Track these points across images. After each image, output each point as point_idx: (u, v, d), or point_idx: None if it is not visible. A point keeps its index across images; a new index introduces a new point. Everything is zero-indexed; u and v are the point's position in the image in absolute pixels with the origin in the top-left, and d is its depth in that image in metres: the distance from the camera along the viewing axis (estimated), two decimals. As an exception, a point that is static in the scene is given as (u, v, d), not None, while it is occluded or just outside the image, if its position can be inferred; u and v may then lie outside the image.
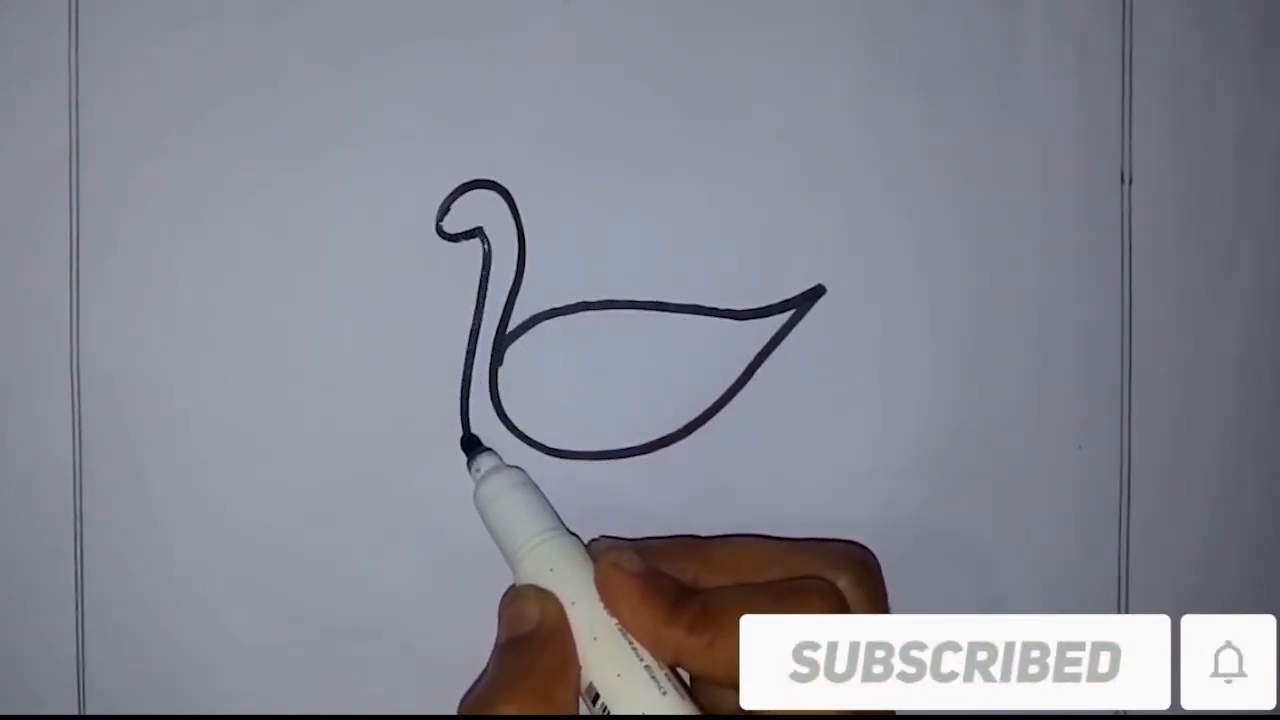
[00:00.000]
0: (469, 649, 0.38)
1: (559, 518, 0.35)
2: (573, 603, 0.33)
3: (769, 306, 0.37)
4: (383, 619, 0.38)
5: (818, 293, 0.37)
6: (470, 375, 0.37)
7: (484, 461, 0.36)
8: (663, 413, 0.37)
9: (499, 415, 0.37)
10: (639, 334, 0.37)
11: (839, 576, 0.32)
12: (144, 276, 0.37)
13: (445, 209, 0.37)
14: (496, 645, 0.34)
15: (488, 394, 0.37)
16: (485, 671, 0.33)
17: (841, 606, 0.32)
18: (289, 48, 0.37)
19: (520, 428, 0.37)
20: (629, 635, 0.32)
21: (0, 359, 0.37)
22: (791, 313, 0.37)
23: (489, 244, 0.37)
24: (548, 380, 0.38)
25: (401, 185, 0.37)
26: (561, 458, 0.37)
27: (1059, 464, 0.38)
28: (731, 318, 0.37)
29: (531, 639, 0.33)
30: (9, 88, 0.37)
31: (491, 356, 0.37)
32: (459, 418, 0.37)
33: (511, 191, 0.37)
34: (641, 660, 0.32)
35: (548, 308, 0.37)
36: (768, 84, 0.37)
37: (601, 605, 0.33)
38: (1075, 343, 0.38)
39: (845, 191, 0.37)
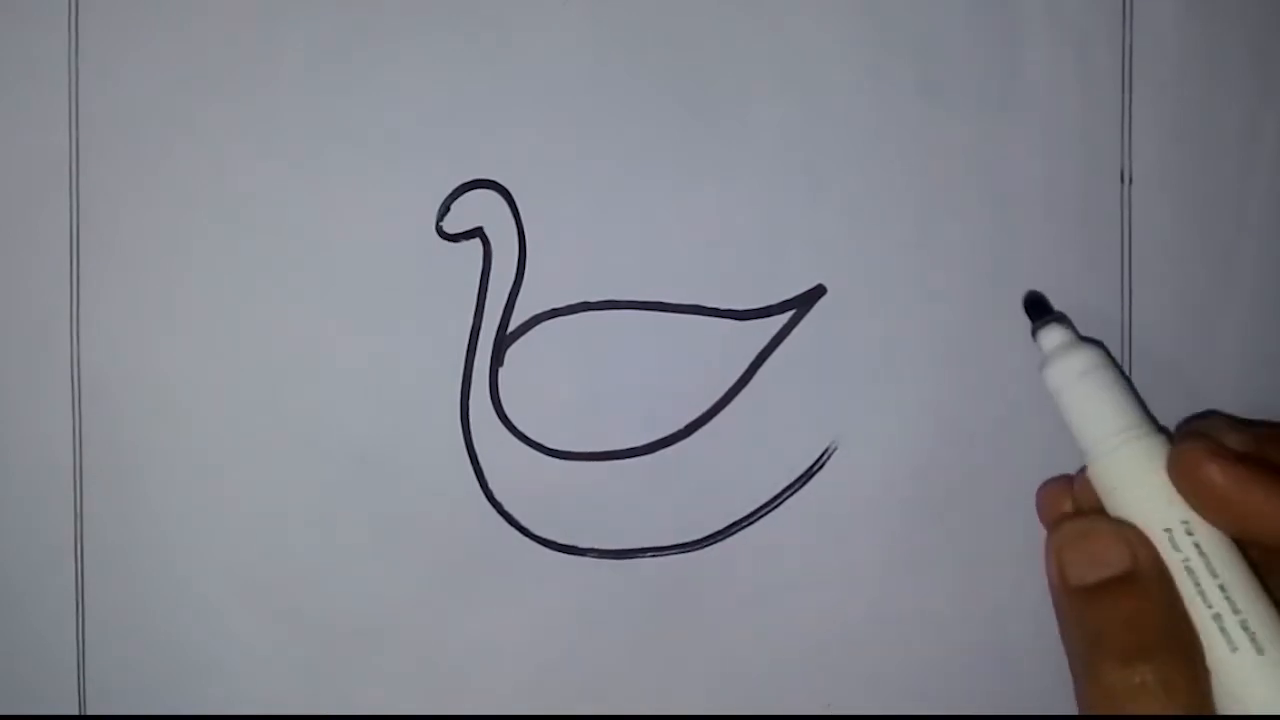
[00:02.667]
0: (469, 649, 0.38)
1: (1144, 408, 0.31)
2: (1169, 529, 0.29)
3: (769, 306, 0.37)
4: (383, 619, 0.38)
5: (818, 293, 0.37)
6: (470, 375, 0.37)
7: (1047, 337, 0.32)
8: (663, 413, 0.37)
9: (499, 415, 0.37)
10: (639, 334, 0.37)
11: None
12: (144, 276, 0.37)
13: (445, 209, 0.37)
14: (1069, 589, 0.30)
15: (488, 394, 0.37)
16: (1069, 629, 0.30)
17: None
18: (289, 48, 0.37)
19: (520, 428, 0.37)
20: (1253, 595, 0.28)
21: (0, 359, 0.37)
22: (791, 313, 0.37)
23: (489, 244, 0.37)
24: (548, 380, 0.38)
25: (401, 185, 0.37)
26: (561, 458, 0.37)
27: (1059, 464, 0.38)
28: (731, 318, 0.37)
29: (1138, 579, 0.29)
30: (9, 88, 0.37)
31: (491, 356, 0.37)
32: (459, 418, 0.37)
33: (511, 191, 0.37)
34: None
35: (548, 308, 0.37)
36: (768, 84, 0.37)
37: (1220, 543, 0.29)
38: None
39: (845, 191, 0.37)
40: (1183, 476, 0.29)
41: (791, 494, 0.37)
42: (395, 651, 0.38)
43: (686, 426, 0.37)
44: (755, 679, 0.38)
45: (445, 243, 0.37)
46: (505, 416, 0.37)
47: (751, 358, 0.37)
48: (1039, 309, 0.34)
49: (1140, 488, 0.30)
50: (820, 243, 0.37)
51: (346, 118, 0.37)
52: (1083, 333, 0.37)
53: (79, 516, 0.37)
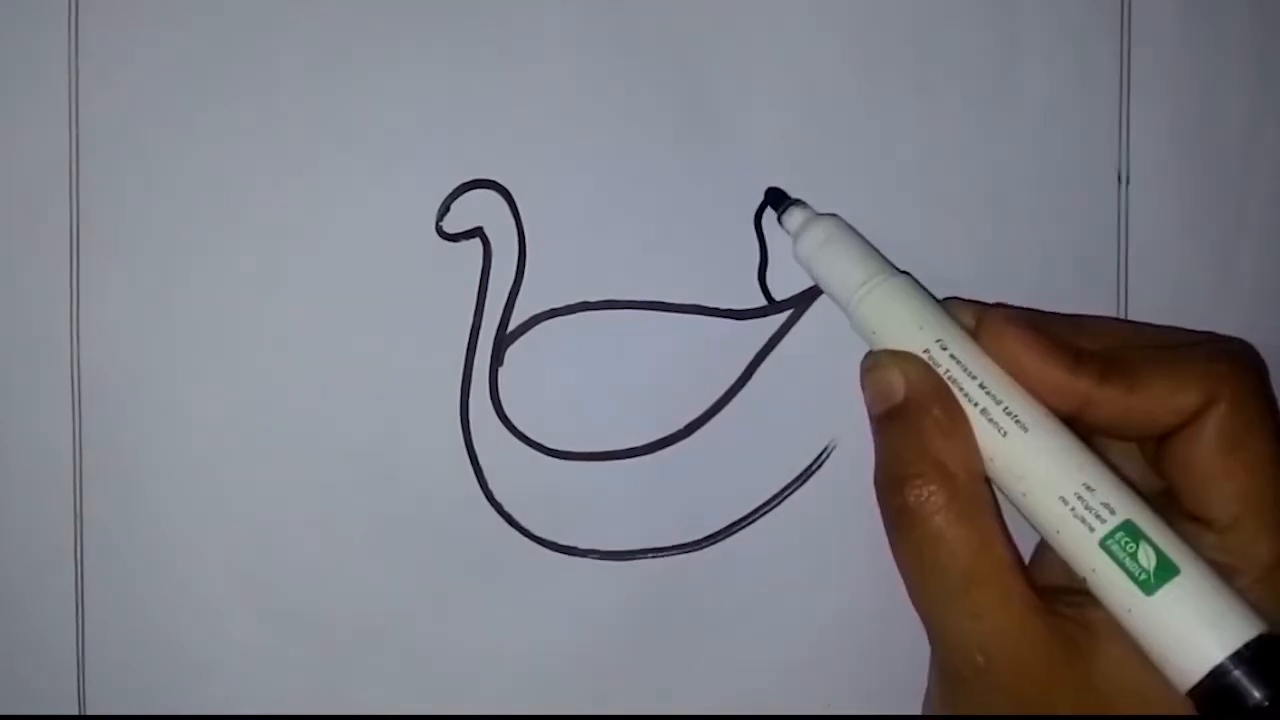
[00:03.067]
0: (469, 649, 0.38)
1: (884, 258, 0.34)
2: (926, 349, 0.32)
3: (769, 306, 0.37)
4: (383, 619, 0.38)
5: (817, 293, 0.37)
6: (470, 375, 0.37)
7: (791, 219, 0.35)
8: (663, 413, 0.37)
9: (499, 415, 0.37)
10: (639, 334, 0.37)
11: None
12: (144, 276, 0.37)
13: (445, 209, 0.37)
14: (871, 422, 0.33)
15: (488, 394, 0.37)
16: (876, 455, 0.33)
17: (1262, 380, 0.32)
18: (289, 48, 0.37)
19: (520, 428, 0.37)
20: (1008, 387, 0.31)
21: (0, 359, 0.37)
22: (790, 312, 0.37)
23: (489, 244, 0.37)
24: (548, 380, 0.38)
25: (401, 185, 0.37)
26: (561, 458, 0.37)
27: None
28: (731, 318, 0.37)
29: (906, 409, 0.32)
30: (9, 88, 0.37)
31: (491, 356, 0.37)
32: (459, 418, 0.37)
33: (511, 191, 0.37)
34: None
35: (548, 308, 0.37)
36: (767, 84, 0.37)
37: (972, 351, 0.32)
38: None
39: (844, 191, 0.37)
40: (989, 335, 0.32)
41: (791, 494, 0.37)
42: (395, 651, 0.38)
43: (686, 426, 0.37)
44: (755, 679, 0.38)
45: (445, 243, 0.37)
46: (505, 416, 0.37)
47: (751, 358, 0.37)
48: (779, 197, 0.36)
49: (894, 322, 0.33)
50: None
51: (346, 118, 0.37)
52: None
53: (79, 516, 0.37)
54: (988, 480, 0.32)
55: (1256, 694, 0.28)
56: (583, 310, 0.37)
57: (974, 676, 0.31)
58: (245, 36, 0.37)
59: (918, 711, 0.37)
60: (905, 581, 0.32)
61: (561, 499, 0.37)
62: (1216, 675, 0.28)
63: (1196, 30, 0.37)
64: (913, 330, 0.33)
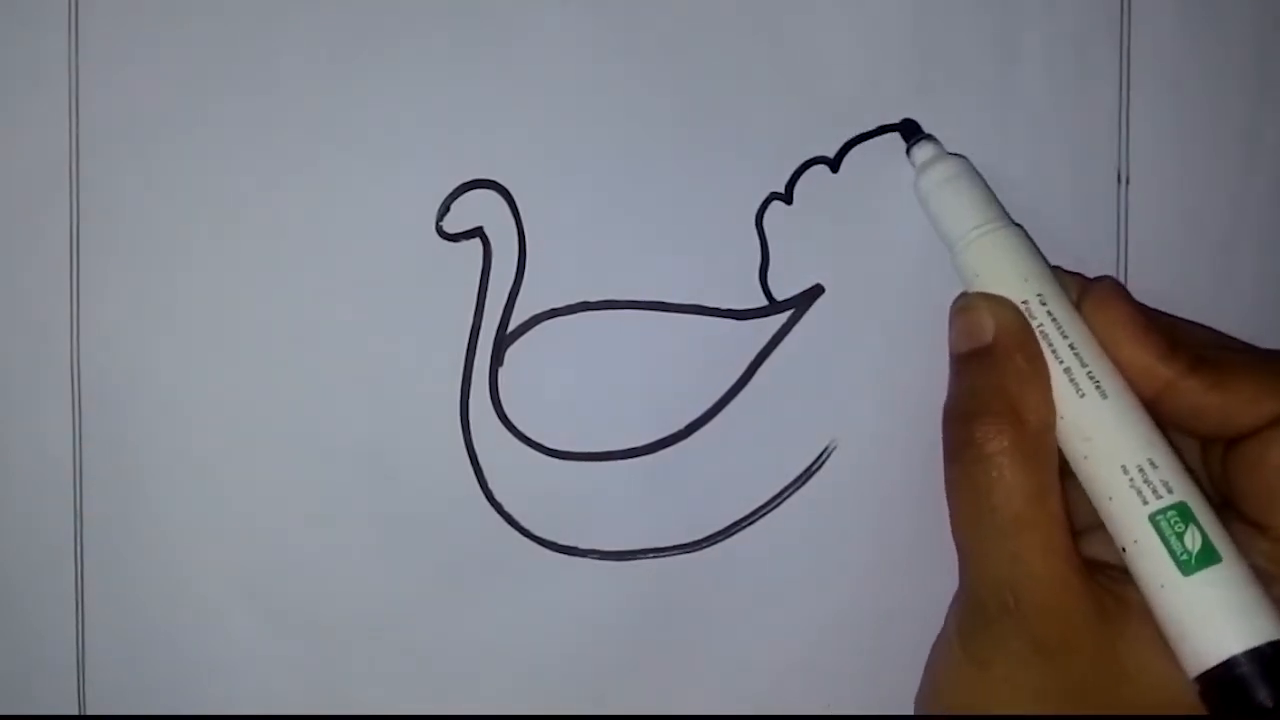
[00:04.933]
0: (469, 649, 0.38)
1: (1002, 207, 0.35)
2: (1025, 301, 0.33)
3: (768, 306, 0.37)
4: (383, 619, 0.38)
5: (817, 293, 0.37)
6: (470, 375, 0.37)
7: (920, 152, 0.36)
8: (663, 413, 0.37)
9: (499, 415, 0.37)
10: (639, 334, 0.37)
11: None
12: (144, 276, 0.37)
13: (445, 209, 0.37)
14: (951, 359, 0.34)
15: (488, 394, 0.37)
16: (950, 389, 0.34)
17: None
18: (289, 48, 0.37)
19: (520, 428, 0.37)
20: (1097, 353, 0.32)
21: (0, 359, 0.37)
22: (790, 312, 0.37)
23: (489, 244, 0.37)
24: (548, 380, 0.38)
25: (401, 185, 0.37)
26: (561, 458, 0.37)
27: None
28: (731, 318, 0.37)
29: (992, 350, 0.33)
30: (9, 88, 0.37)
31: (491, 356, 0.37)
32: (459, 418, 0.37)
33: (511, 191, 0.37)
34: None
35: (548, 308, 0.37)
36: (767, 84, 0.37)
37: (1070, 312, 0.33)
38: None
39: (844, 191, 0.37)
40: (1092, 303, 0.33)
41: (791, 494, 0.37)
42: (395, 651, 0.38)
43: (686, 426, 0.37)
44: (755, 679, 0.38)
45: (445, 243, 0.37)
46: (505, 416, 0.37)
47: (751, 358, 0.37)
48: (911, 130, 0.36)
49: (1000, 269, 0.33)
50: (820, 243, 0.38)
51: (346, 118, 0.37)
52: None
53: (79, 516, 0.37)
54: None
55: (1263, 693, 0.28)
56: (583, 310, 0.37)
57: (1000, 614, 0.31)
58: (245, 36, 0.37)
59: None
60: (952, 511, 0.33)
61: (561, 499, 0.37)
62: (1230, 665, 0.29)
63: (1196, 30, 0.37)
64: (1017, 280, 0.33)
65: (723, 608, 0.38)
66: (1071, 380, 0.32)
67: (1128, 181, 0.38)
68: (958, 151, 0.36)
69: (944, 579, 0.38)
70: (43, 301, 0.37)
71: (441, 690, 0.38)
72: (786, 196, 0.37)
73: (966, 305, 0.34)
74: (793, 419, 0.38)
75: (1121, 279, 0.38)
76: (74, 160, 0.37)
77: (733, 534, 0.37)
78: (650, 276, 0.37)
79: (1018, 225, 0.34)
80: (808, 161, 0.37)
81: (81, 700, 0.38)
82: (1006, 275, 0.33)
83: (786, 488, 0.37)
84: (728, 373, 0.37)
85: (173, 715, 0.38)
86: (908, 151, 0.36)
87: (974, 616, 0.33)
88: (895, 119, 0.37)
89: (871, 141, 0.37)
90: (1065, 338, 0.32)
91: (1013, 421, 0.32)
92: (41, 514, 0.37)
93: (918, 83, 0.37)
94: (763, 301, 0.37)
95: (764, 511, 0.37)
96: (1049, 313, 0.33)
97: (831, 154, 0.37)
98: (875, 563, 0.38)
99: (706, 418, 0.37)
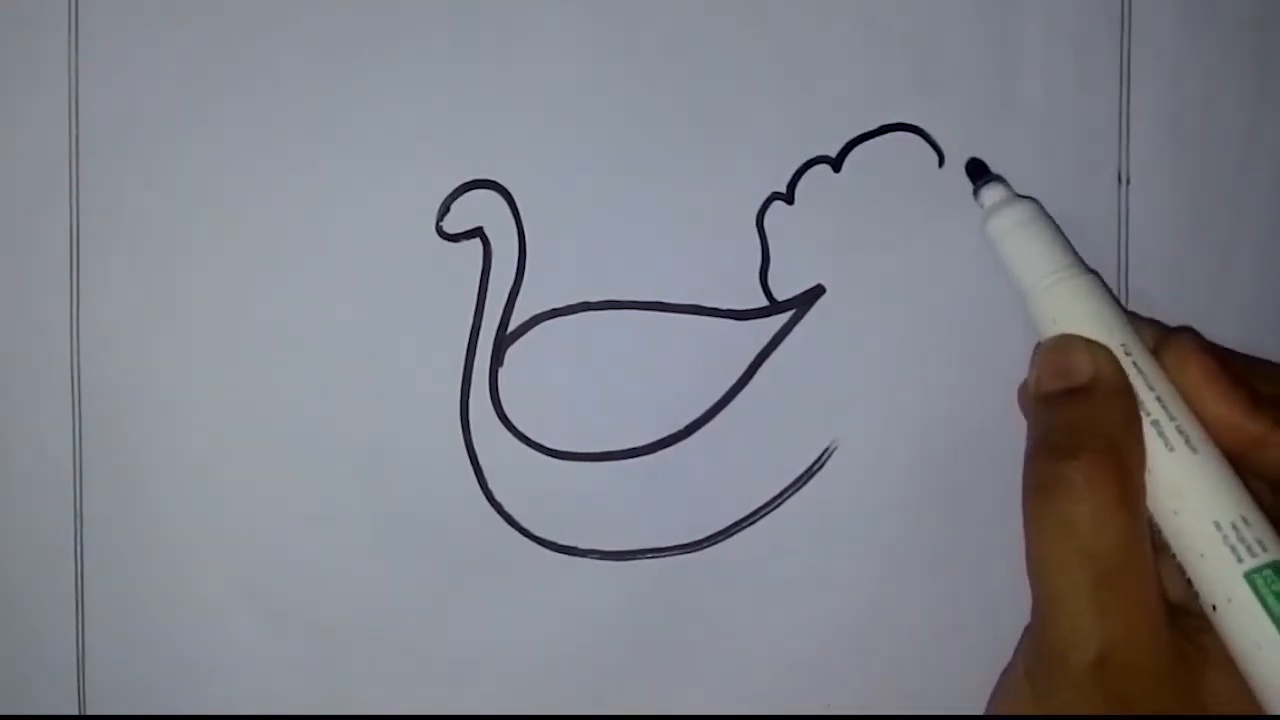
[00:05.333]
0: (469, 649, 0.38)
1: (1073, 252, 0.34)
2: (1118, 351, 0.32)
3: (769, 306, 0.37)
4: (383, 619, 0.38)
5: (817, 293, 0.37)
6: (470, 375, 0.37)
7: (988, 195, 0.35)
8: (663, 413, 0.37)
9: (499, 415, 0.37)
10: (639, 334, 0.37)
11: None
12: (144, 276, 0.37)
13: (445, 209, 0.37)
14: (1036, 397, 0.33)
15: (488, 394, 0.37)
16: (1031, 433, 0.33)
17: None
18: (289, 48, 0.37)
19: (520, 428, 0.37)
20: (1183, 407, 0.32)
21: (0, 359, 0.37)
22: (791, 313, 0.37)
23: (489, 244, 0.37)
24: (548, 380, 0.38)
25: (401, 185, 0.37)
26: (561, 458, 0.37)
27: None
28: (731, 318, 0.37)
29: (1092, 390, 0.32)
30: (9, 88, 0.37)
31: (491, 356, 0.37)
32: (459, 418, 0.37)
33: (511, 191, 0.37)
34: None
35: (548, 308, 0.37)
36: (768, 84, 0.37)
37: (1153, 364, 0.32)
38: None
39: (845, 191, 0.37)
40: (1173, 357, 0.32)
41: (791, 494, 0.37)
42: (395, 651, 0.38)
43: (686, 426, 0.37)
44: (755, 679, 0.38)
45: (445, 243, 0.37)
46: (505, 417, 0.37)
47: (751, 358, 0.37)
48: (980, 170, 0.36)
49: (1081, 317, 0.33)
50: (820, 243, 0.38)
51: (346, 118, 0.37)
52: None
53: (79, 516, 0.37)
54: None
55: None
56: (583, 310, 0.37)
57: (1080, 669, 0.30)
58: (246, 36, 0.37)
59: (918, 711, 0.37)
60: (1036, 551, 0.32)
61: (561, 499, 0.37)
62: None
63: (1196, 31, 0.37)
64: (1100, 329, 0.33)
65: (723, 608, 0.38)
66: (1160, 434, 0.31)
67: (1128, 181, 0.38)
68: (987, 168, 0.36)
69: (944, 579, 0.38)
70: (43, 301, 0.37)
71: (441, 690, 0.38)
72: (788, 196, 0.37)
73: (1062, 344, 0.33)
74: (793, 419, 0.38)
75: (1121, 279, 0.38)
76: (74, 160, 0.37)
77: (733, 534, 0.37)
78: (650, 276, 0.37)
79: (1094, 271, 0.34)
80: (809, 161, 0.37)
81: (81, 700, 0.38)
82: (1089, 323, 0.33)
83: (787, 488, 0.37)
84: (728, 373, 0.37)
85: (173, 715, 0.38)
86: (975, 192, 0.36)
87: (1052, 667, 0.31)
88: (896, 119, 0.37)
89: (873, 141, 0.37)
90: (1151, 389, 0.32)
91: (1115, 464, 0.31)
92: (41, 514, 0.37)
93: (918, 83, 0.37)
94: (763, 302, 0.37)
95: (764, 512, 0.37)
96: (1134, 363, 0.32)
97: (833, 154, 0.37)
98: (875, 563, 0.38)
99: (707, 418, 0.37)
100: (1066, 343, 0.33)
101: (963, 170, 0.37)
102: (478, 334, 0.37)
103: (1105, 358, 0.32)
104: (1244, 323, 0.38)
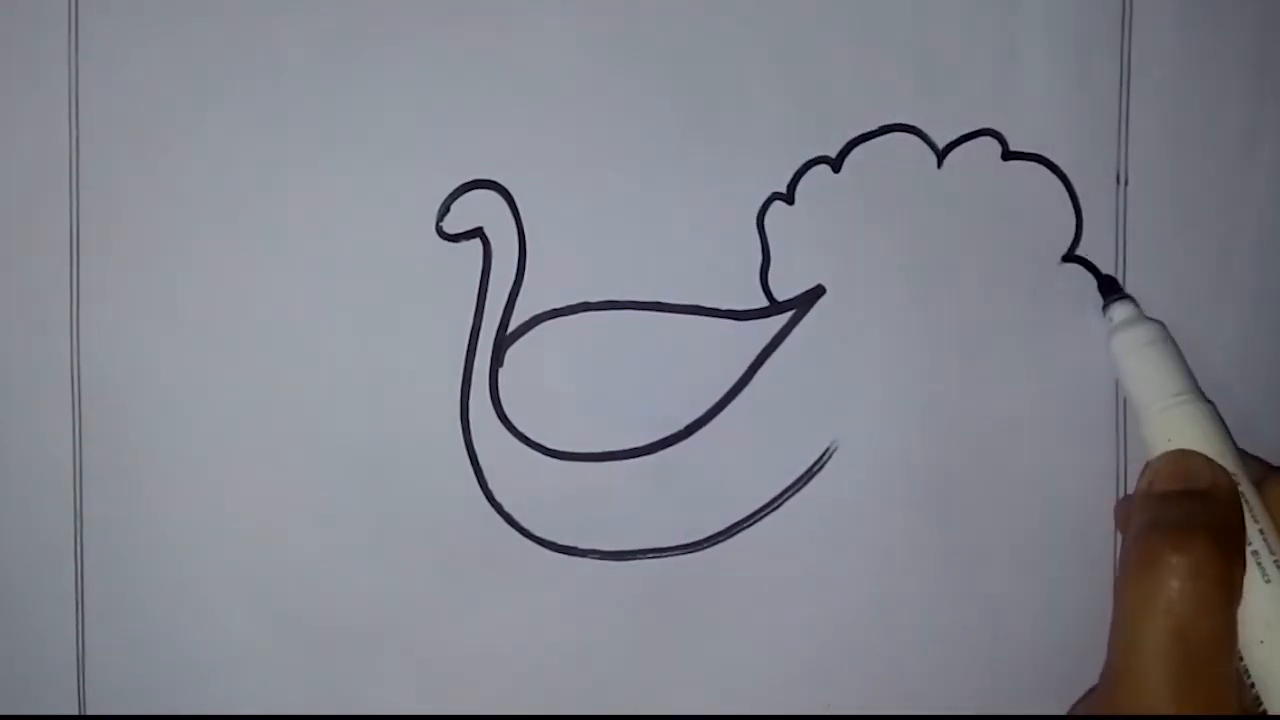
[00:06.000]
0: (469, 649, 0.38)
1: (1193, 379, 0.35)
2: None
3: (769, 306, 0.37)
4: (383, 619, 0.38)
5: (818, 293, 0.37)
6: (470, 375, 0.37)
7: (1118, 311, 0.36)
8: (663, 413, 0.37)
9: (499, 415, 0.37)
10: (639, 334, 0.37)
11: None
12: (144, 277, 0.37)
13: (445, 209, 0.37)
14: (1149, 495, 0.33)
15: (488, 394, 0.37)
16: (1138, 519, 0.33)
17: None
18: (289, 48, 0.37)
19: (520, 428, 0.37)
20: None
21: (0, 359, 0.37)
22: (791, 313, 0.37)
23: (489, 244, 0.37)
24: (548, 380, 0.38)
25: (401, 185, 0.37)
26: (561, 458, 0.37)
27: (1057, 465, 0.38)
28: (731, 318, 0.37)
29: (1211, 494, 0.32)
30: (9, 88, 0.37)
31: (491, 356, 0.37)
32: (459, 418, 0.37)
33: (511, 191, 0.37)
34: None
35: (548, 308, 0.37)
36: (768, 84, 0.37)
37: (1256, 497, 0.33)
38: (1072, 343, 0.38)
39: (844, 191, 0.37)
40: (1276, 494, 0.33)
41: (792, 494, 0.37)
42: (395, 651, 0.38)
43: (686, 427, 0.37)
44: (755, 679, 0.38)
45: (445, 243, 0.37)
46: (505, 417, 0.37)
47: (752, 358, 0.37)
48: (1111, 286, 0.37)
49: (1198, 441, 0.34)
50: (820, 243, 0.38)
51: (346, 118, 0.37)
52: (1077, 333, 0.37)
53: (79, 516, 0.37)
54: None
55: None
56: (583, 310, 0.37)
57: None
58: (245, 36, 0.37)
59: (918, 711, 0.37)
60: (1126, 624, 0.32)
61: (561, 499, 0.37)
62: None
63: (1196, 32, 0.37)
64: (1214, 455, 0.34)
65: (723, 608, 0.38)
66: (1259, 564, 0.32)
67: (1127, 182, 0.38)
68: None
69: (944, 579, 0.38)
70: (43, 301, 0.37)
71: (441, 690, 0.38)
72: (788, 196, 0.37)
73: (1184, 454, 0.33)
74: (794, 420, 0.38)
75: (1120, 279, 0.38)
76: (74, 160, 0.37)
77: (733, 534, 0.37)
78: (650, 276, 0.37)
79: (1209, 401, 0.35)
80: (809, 161, 0.37)
81: (81, 700, 0.38)
82: (1204, 446, 0.34)
83: (787, 488, 0.37)
84: (728, 373, 0.37)
85: (173, 715, 0.38)
86: (1104, 307, 0.37)
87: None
88: (896, 119, 0.37)
89: (873, 141, 0.37)
90: (1255, 522, 0.33)
91: (1225, 558, 0.31)
92: (41, 514, 0.37)
93: (918, 83, 0.37)
94: (764, 302, 0.37)
95: (765, 512, 0.37)
96: (1241, 492, 0.33)
97: (833, 154, 0.37)
98: (875, 563, 0.38)
99: (707, 418, 0.37)
100: (1189, 454, 0.33)
101: (962, 170, 0.37)
102: (478, 334, 0.37)
103: (1224, 472, 0.33)
104: (1243, 323, 0.38)
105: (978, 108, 0.37)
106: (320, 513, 0.37)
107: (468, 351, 0.37)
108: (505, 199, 0.37)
